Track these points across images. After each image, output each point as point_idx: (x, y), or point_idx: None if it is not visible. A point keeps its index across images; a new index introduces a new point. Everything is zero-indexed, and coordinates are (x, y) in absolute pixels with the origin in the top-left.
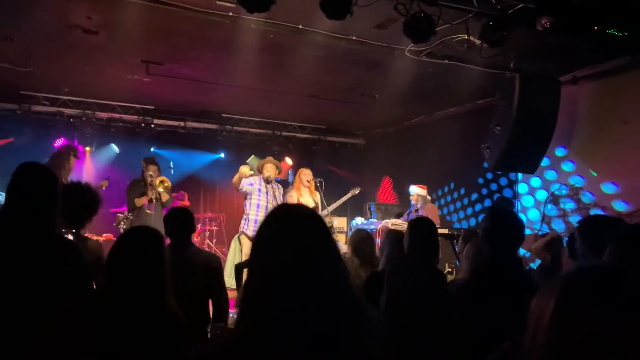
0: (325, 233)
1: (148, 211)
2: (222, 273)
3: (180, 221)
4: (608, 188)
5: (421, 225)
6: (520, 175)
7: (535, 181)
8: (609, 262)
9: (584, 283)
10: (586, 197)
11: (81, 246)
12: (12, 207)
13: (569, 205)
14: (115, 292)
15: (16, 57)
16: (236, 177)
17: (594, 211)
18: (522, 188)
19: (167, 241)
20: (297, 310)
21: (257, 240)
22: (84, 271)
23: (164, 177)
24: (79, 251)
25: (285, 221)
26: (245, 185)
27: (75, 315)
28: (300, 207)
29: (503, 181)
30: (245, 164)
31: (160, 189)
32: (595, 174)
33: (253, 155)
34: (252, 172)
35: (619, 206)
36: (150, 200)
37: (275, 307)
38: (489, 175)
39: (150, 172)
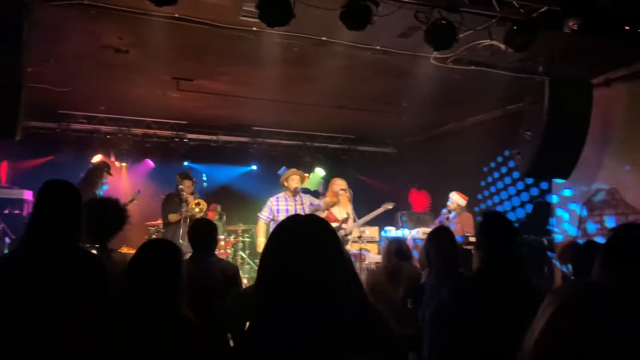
0: (332, 246)
1: (178, 226)
2: (239, 280)
3: (201, 234)
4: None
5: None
6: (554, 180)
7: (569, 185)
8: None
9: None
10: (622, 202)
11: (107, 259)
12: (36, 223)
13: (605, 209)
14: (131, 301)
15: (54, 78)
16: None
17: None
18: (556, 192)
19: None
20: (303, 326)
21: (264, 256)
22: (105, 283)
23: (200, 200)
24: (101, 263)
25: (290, 236)
26: (266, 217)
27: (93, 324)
28: (307, 220)
29: (544, 185)
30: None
31: (196, 210)
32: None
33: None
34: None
35: None
36: (184, 218)
37: (282, 323)
38: (529, 181)
39: (181, 187)
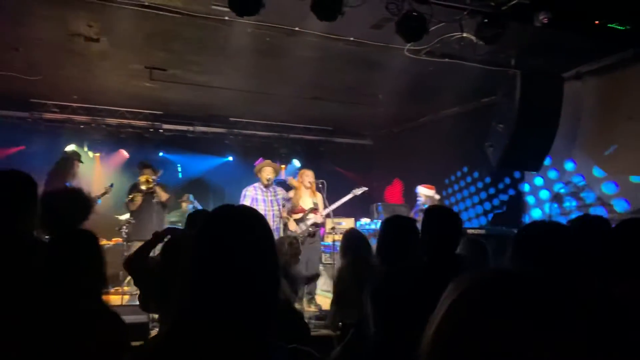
0: (256, 235)
1: (141, 211)
2: None
3: None
4: (609, 187)
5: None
6: (523, 174)
7: (538, 180)
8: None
9: (484, 287)
10: (588, 196)
11: None
12: None
13: (571, 203)
14: (53, 292)
15: (24, 66)
16: None
17: (594, 210)
18: (525, 187)
19: None
20: (234, 311)
21: (200, 241)
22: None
23: (147, 176)
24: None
25: (216, 224)
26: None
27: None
28: (238, 209)
29: (507, 180)
30: None
31: (143, 187)
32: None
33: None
34: None
35: (620, 205)
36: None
37: (214, 306)
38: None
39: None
